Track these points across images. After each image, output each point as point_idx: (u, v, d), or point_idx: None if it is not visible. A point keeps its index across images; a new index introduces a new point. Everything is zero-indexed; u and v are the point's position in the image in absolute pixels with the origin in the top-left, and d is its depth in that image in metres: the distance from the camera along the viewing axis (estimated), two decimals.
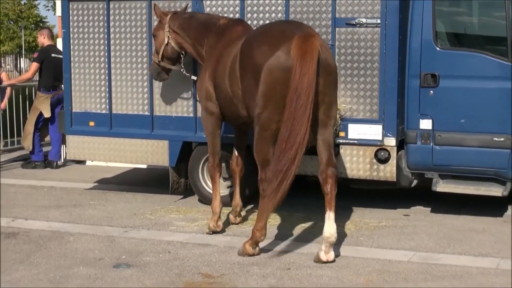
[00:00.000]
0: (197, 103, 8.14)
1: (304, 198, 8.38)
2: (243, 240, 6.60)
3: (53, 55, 11.23)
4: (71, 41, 9.07)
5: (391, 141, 7.67)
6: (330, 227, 6.23)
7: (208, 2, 8.30)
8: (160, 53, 7.90)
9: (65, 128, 9.22)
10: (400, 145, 7.83)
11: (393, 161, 7.72)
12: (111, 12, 8.78)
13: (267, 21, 7.94)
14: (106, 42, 8.84)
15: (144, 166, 10.94)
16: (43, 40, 11.57)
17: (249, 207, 8.24)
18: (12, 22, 52.26)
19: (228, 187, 8.36)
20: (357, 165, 7.80)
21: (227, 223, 7.61)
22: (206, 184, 8.56)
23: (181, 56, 7.92)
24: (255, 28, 7.71)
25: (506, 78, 7.40)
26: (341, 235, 6.38)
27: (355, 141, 7.76)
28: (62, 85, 9.77)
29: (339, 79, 6.97)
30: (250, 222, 7.66)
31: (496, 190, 7.58)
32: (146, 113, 8.70)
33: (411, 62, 7.70)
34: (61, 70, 9.39)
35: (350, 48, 7.68)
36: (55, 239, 7.14)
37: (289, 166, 5.94)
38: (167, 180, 8.98)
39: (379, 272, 6.02)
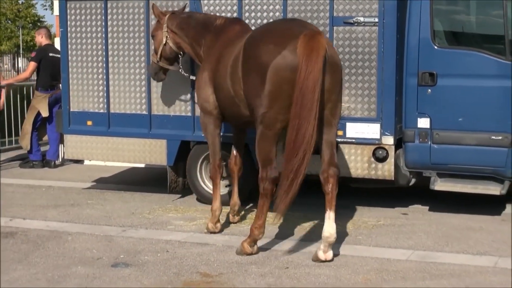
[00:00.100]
0: (195, 101, 8.13)
1: (303, 197, 8.36)
2: (242, 239, 6.60)
3: (50, 54, 11.23)
4: (69, 40, 9.06)
5: (389, 140, 7.67)
6: (330, 227, 6.23)
7: (206, 1, 8.30)
8: (159, 53, 7.88)
9: (63, 127, 9.22)
10: (398, 144, 7.83)
11: (391, 160, 7.72)
12: (109, 11, 8.78)
13: (265, 20, 7.94)
14: (103, 41, 8.84)
15: (142, 166, 10.94)
16: (40, 39, 11.56)
17: (248, 206, 8.24)
18: (9, 22, 52.26)
19: (226, 186, 8.36)
20: (355, 163, 7.80)
21: (226, 222, 7.61)
22: (204, 183, 8.57)
23: (179, 56, 7.91)
24: (253, 27, 7.72)
25: (504, 76, 7.40)
26: (340, 234, 6.38)
27: (353, 140, 7.76)
28: (60, 85, 9.77)
29: None
30: (248, 221, 7.66)
31: (494, 189, 7.58)
32: (144, 112, 8.70)
33: (409, 60, 7.70)
34: (59, 70, 9.39)
35: (348, 47, 7.68)
36: (53, 239, 7.13)
37: (298, 166, 5.93)
38: (165, 179, 8.98)
39: (378, 271, 6.03)
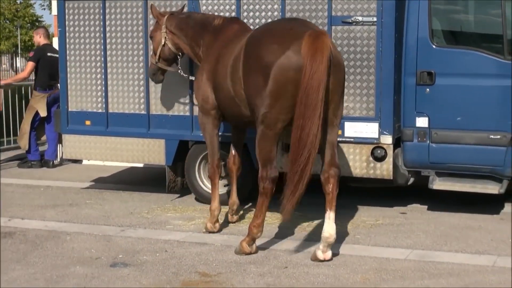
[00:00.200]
0: (194, 101, 8.13)
1: (302, 197, 8.36)
2: (240, 239, 6.60)
3: (49, 54, 11.22)
4: (67, 40, 9.05)
5: (387, 139, 7.67)
6: (330, 227, 6.22)
7: (204, 1, 8.29)
8: (157, 54, 7.84)
9: (61, 127, 9.21)
10: (397, 143, 7.83)
11: (389, 159, 7.72)
12: (107, 11, 8.77)
13: (263, 20, 7.94)
14: (102, 41, 8.83)
15: (141, 165, 10.94)
16: (39, 39, 11.55)
17: (247, 206, 8.24)
18: (8, 21, 52.21)
19: (225, 186, 8.35)
20: (354, 163, 7.80)
21: (224, 221, 7.61)
22: (203, 183, 8.57)
23: (178, 57, 7.88)
24: (251, 26, 7.71)
25: (502, 75, 7.41)
26: (338, 233, 6.38)
27: (352, 139, 7.76)
28: (58, 84, 9.76)
29: None
30: (247, 220, 7.65)
31: (492, 188, 7.59)
32: (143, 112, 8.69)
33: (407, 60, 7.70)
34: (57, 69, 9.38)
35: (346, 46, 7.68)
36: (51, 239, 7.13)
37: (304, 166, 5.92)
38: (163, 179, 8.97)
39: (376, 270, 6.03)
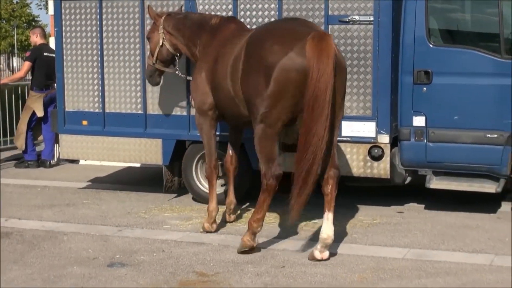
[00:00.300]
0: (191, 101, 8.12)
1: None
2: (238, 238, 6.60)
3: (45, 54, 11.21)
4: (64, 40, 9.04)
5: (384, 138, 7.67)
6: (328, 228, 6.23)
7: (201, 1, 8.28)
8: (155, 55, 7.81)
9: (58, 127, 9.20)
10: (394, 142, 7.84)
11: (386, 158, 7.72)
12: (104, 10, 8.76)
13: (260, 19, 7.94)
14: (98, 40, 8.82)
15: (138, 165, 10.93)
16: (35, 39, 11.53)
17: (244, 205, 8.23)
18: (4, 21, 52.10)
19: (222, 185, 8.35)
20: (351, 162, 7.80)
21: (221, 221, 7.60)
22: (200, 183, 8.56)
23: (176, 57, 7.86)
24: (248, 26, 7.71)
25: (499, 74, 7.42)
26: (336, 233, 6.38)
27: (349, 139, 7.76)
28: (55, 84, 9.75)
29: None
30: (244, 220, 7.66)
31: (489, 187, 7.59)
32: (140, 111, 8.69)
33: (404, 59, 7.70)
34: (54, 69, 9.37)
35: (343, 45, 7.68)
36: (48, 239, 7.12)
37: (310, 166, 5.92)
38: (160, 178, 8.96)
39: (374, 270, 6.03)
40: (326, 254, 6.25)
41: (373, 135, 7.68)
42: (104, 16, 8.76)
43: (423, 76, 7.64)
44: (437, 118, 7.66)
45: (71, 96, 9.06)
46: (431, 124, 7.68)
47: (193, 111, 7.99)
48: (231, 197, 7.61)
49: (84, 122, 8.98)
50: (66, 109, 9.09)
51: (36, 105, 11.17)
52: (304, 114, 5.94)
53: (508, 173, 7.53)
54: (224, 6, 8.17)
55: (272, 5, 7.94)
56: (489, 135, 7.49)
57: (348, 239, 6.97)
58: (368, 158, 7.75)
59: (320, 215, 6.38)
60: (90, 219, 7.93)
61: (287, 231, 7.21)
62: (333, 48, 5.97)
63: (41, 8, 53.97)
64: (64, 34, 9.03)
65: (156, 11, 7.93)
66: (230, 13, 8.08)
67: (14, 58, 42.61)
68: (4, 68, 37.81)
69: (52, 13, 9.65)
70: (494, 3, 7.48)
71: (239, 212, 7.98)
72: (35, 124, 11.39)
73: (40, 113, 11.17)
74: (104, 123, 8.87)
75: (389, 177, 7.81)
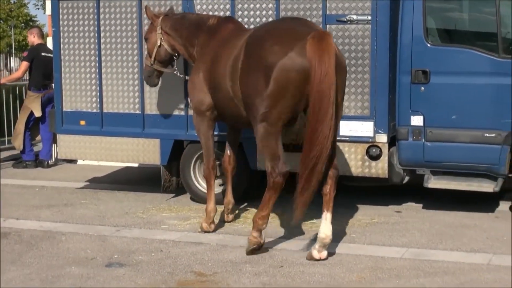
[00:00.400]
0: (188, 101, 8.12)
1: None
2: (236, 238, 6.60)
3: (43, 54, 11.20)
4: (61, 40, 9.03)
5: (382, 138, 7.68)
6: (326, 228, 6.23)
7: (198, 1, 8.28)
8: (153, 55, 7.78)
9: (56, 127, 9.19)
10: (392, 142, 7.84)
11: (384, 158, 7.73)
12: (101, 10, 8.75)
13: (258, 19, 7.93)
14: (96, 40, 8.82)
15: (136, 165, 10.92)
16: (33, 39, 11.53)
17: (242, 205, 8.23)
18: (1, 21, 52.04)
19: (220, 185, 8.35)
20: (349, 162, 7.80)
21: (220, 221, 7.60)
22: (198, 182, 8.56)
23: (174, 58, 7.84)
24: (246, 26, 7.70)
25: (496, 74, 7.42)
26: (334, 232, 6.38)
27: (347, 138, 7.76)
28: (53, 84, 9.74)
29: None
30: (242, 220, 7.66)
31: (487, 186, 7.59)
32: (137, 111, 8.68)
33: (402, 58, 7.70)
34: (51, 69, 9.38)
35: (341, 45, 7.67)
36: (46, 239, 7.11)
37: (314, 165, 5.93)
38: (158, 178, 8.96)
39: (372, 269, 6.03)
40: (324, 254, 6.25)
41: (371, 134, 7.69)
42: (101, 16, 8.76)
43: (421, 76, 7.65)
44: (435, 118, 7.66)
45: (69, 96, 9.06)
46: (429, 123, 7.68)
47: (191, 111, 7.99)
48: (229, 197, 7.60)
49: (82, 122, 8.98)
50: (64, 109, 9.08)
51: (34, 105, 11.16)
52: (309, 114, 5.95)
53: (506, 172, 7.53)
54: (221, 6, 8.17)
55: (270, 5, 7.94)
56: (487, 135, 7.49)
57: (346, 238, 6.97)
58: (366, 157, 7.75)
59: (319, 215, 6.38)
60: (88, 219, 7.92)
61: (285, 231, 7.21)
62: (334, 48, 5.97)
63: (38, 8, 53.99)
64: (61, 34, 9.02)
65: (153, 12, 7.92)
66: (227, 13, 8.08)
67: (11, 58, 42.55)
68: (2, 68, 37.74)
69: (50, 13, 9.64)
70: (491, 2, 7.47)
71: (237, 212, 7.97)
72: (33, 124, 11.38)
73: (38, 113, 11.16)
74: (102, 123, 8.86)
75: (387, 177, 7.81)
